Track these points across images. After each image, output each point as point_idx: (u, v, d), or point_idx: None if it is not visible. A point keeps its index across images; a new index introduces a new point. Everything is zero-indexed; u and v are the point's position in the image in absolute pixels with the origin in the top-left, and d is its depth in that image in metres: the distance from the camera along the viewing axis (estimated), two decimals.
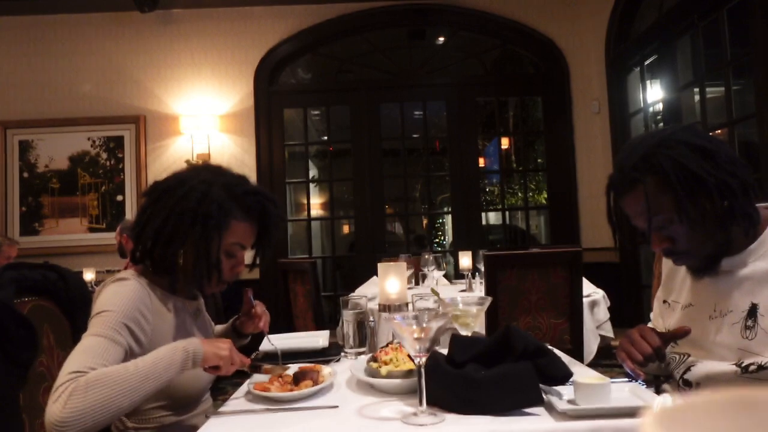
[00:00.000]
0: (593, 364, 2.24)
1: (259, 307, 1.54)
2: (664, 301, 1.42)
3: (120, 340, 1.14)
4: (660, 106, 4.48)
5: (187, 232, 1.25)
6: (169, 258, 1.27)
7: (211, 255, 1.27)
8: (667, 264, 1.42)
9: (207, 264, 1.27)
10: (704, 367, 1.24)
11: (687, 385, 1.27)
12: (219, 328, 1.62)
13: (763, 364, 1.14)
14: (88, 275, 3.95)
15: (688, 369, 1.27)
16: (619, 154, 1.26)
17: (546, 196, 5.60)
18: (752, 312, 1.17)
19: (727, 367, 1.18)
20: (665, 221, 1.18)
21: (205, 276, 1.28)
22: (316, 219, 6.17)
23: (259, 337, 1.71)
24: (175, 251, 1.26)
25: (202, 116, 4.80)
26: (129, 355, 1.16)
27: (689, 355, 1.29)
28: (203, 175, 1.31)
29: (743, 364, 1.16)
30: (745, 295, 1.19)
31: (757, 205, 1.20)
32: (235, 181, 1.33)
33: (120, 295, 1.19)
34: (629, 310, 4.29)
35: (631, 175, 1.17)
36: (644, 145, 1.19)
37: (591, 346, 2.47)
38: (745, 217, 1.16)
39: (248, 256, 1.39)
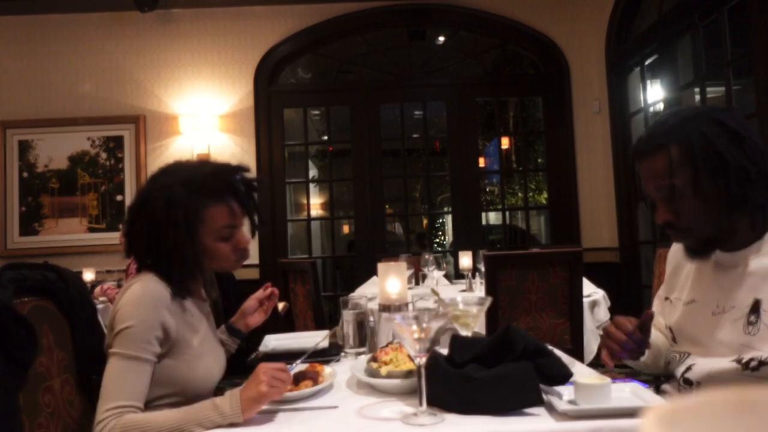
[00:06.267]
0: (593, 364, 2.24)
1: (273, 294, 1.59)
2: (666, 298, 1.42)
3: (148, 357, 1.18)
4: (661, 106, 4.48)
5: (168, 239, 1.27)
6: (168, 267, 1.29)
7: (189, 252, 1.28)
8: (672, 261, 1.42)
9: (189, 259, 1.29)
10: (705, 365, 1.23)
11: (687, 383, 1.27)
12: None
13: (763, 359, 1.13)
14: (88, 275, 3.95)
15: (688, 368, 1.27)
16: (654, 120, 1.30)
17: (546, 196, 5.59)
18: (755, 308, 1.16)
19: (727, 364, 1.18)
20: (676, 193, 1.18)
21: (197, 270, 1.32)
22: (316, 219, 6.18)
23: (258, 338, 1.71)
24: (168, 259, 1.28)
25: (202, 116, 4.80)
26: (157, 361, 1.21)
27: (690, 354, 1.29)
28: (160, 181, 1.31)
29: (743, 360, 1.15)
30: (749, 291, 1.18)
31: None
32: (192, 172, 1.32)
33: (142, 303, 1.21)
34: (629, 310, 4.28)
35: (658, 140, 1.19)
36: (678, 116, 1.21)
37: (591, 346, 2.47)
38: (757, 209, 1.17)
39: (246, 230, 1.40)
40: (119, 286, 3.44)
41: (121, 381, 1.14)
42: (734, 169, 1.13)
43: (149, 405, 1.22)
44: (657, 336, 1.43)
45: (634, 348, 1.23)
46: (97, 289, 3.45)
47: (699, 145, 1.15)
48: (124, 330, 1.18)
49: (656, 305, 1.50)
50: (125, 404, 1.12)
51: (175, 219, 1.26)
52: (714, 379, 1.21)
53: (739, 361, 1.16)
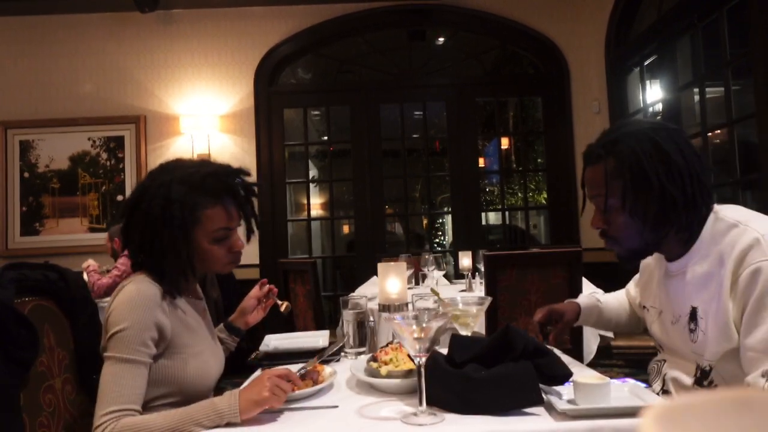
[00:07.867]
0: (593, 364, 2.25)
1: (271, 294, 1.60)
2: (644, 306, 1.44)
3: (143, 360, 1.18)
4: (660, 107, 4.48)
5: (163, 237, 1.26)
6: (160, 265, 1.28)
7: (183, 251, 1.27)
8: (646, 270, 1.45)
9: (183, 259, 1.28)
10: (671, 374, 1.27)
11: (666, 393, 1.29)
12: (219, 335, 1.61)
13: (703, 367, 1.15)
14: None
15: (663, 378, 1.30)
16: (605, 129, 1.32)
17: (546, 196, 5.60)
18: (693, 315, 1.19)
19: (685, 378, 1.22)
20: (607, 204, 1.22)
21: (188, 270, 1.30)
22: (316, 219, 6.17)
23: (258, 338, 1.71)
24: (162, 257, 1.27)
25: (203, 116, 4.80)
26: (153, 361, 1.21)
27: (665, 361, 1.32)
28: (159, 179, 1.30)
29: (696, 374, 1.19)
30: (687, 298, 1.21)
31: (719, 206, 1.21)
32: (191, 170, 1.31)
33: (135, 304, 1.20)
34: None
35: (600, 150, 1.24)
36: (622, 130, 1.23)
37: (591, 346, 2.47)
38: (681, 229, 1.18)
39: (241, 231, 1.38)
40: (107, 271, 3.45)
41: (118, 385, 1.14)
42: (657, 190, 1.14)
43: (148, 406, 1.22)
44: (620, 304, 1.61)
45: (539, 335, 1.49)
46: (84, 265, 3.47)
47: (629, 162, 1.17)
48: (118, 333, 1.17)
49: (630, 285, 1.62)
50: (122, 408, 1.12)
51: (172, 217, 1.25)
52: (676, 385, 1.25)
53: (694, 374, 1.19)
